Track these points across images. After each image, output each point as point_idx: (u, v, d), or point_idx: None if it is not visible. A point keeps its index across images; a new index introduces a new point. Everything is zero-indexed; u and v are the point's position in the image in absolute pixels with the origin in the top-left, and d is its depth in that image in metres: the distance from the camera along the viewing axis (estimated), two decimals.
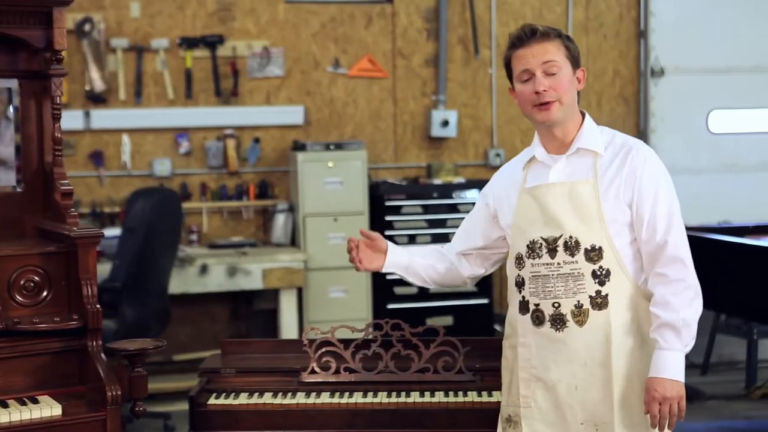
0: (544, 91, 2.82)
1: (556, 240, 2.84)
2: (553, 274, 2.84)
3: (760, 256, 5.38)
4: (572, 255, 2.82)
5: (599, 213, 2.81)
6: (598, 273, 2.80)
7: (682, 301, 2.76)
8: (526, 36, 2.85)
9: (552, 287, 2.84)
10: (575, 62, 2.88)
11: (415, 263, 3.18)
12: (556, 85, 2.83)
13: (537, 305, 2.87)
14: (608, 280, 2.80)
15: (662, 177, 2.85)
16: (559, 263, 2.83)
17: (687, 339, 2.75)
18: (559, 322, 2.83)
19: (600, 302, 2.80)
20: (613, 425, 2.80)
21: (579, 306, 2.81)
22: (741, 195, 7.26)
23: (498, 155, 7.17)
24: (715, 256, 5.53)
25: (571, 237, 2.82)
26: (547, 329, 2.85)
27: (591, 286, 2.81)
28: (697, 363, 6.76)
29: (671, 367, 2.73)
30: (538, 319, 2.87)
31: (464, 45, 7.19)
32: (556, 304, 2.83)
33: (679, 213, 2.85)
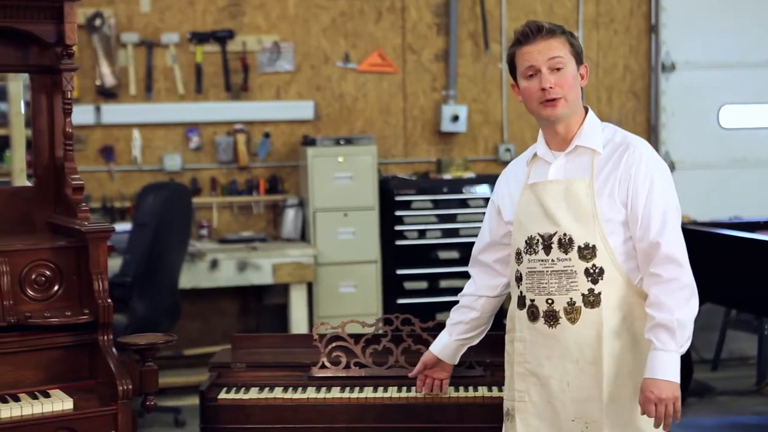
0: (550, 88, 2.83)
1: (551, 237, 2.84)
2: (547, 271, 2.84)
3: None
4: (566, 252, 2.82)
5: (593, 211, 2.81)
6: (591, 271, 2.79)
7: (677, 301, 2.73)
8: (531, 33, 2.85)
9: (546, 283, 2.84)
10: (579, 58, 2.89)
11: (458, 335, 3.20)
12: (562, 82, 2.83)
13: (532, 301, 2.87)
14: (601, 279, 2.79)
15: (658, 175, 2.82)
16: (553, 260, 2.84)
17: (682, 340, 2.73)
18: (552, 318, 2.83)
19: (592, 300, 2.79)
20: (602, 424, 2.79)
21: (572, 303, 2.81)
22: (752, 190, 7.23)
23: (508, 150, 7.16)
24: (726, 252, 5.50)
25: (565, 234, 2.82)
26: (541, 325, 2.85)
27: (584, 284, 2.80)
28: (708, 358, 6.73)
29: (666, 368, 2.71)
30: (533, 314, 2.87)
31: (474, 40, 7.18)
32: (549, 301, 2.84)
33: (675, 211, 2.82)
